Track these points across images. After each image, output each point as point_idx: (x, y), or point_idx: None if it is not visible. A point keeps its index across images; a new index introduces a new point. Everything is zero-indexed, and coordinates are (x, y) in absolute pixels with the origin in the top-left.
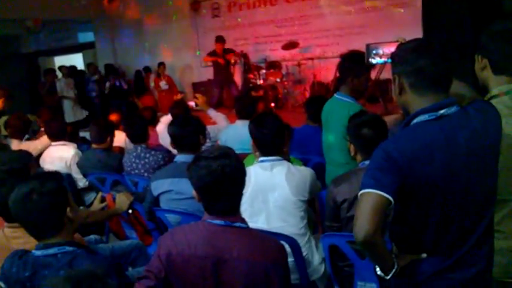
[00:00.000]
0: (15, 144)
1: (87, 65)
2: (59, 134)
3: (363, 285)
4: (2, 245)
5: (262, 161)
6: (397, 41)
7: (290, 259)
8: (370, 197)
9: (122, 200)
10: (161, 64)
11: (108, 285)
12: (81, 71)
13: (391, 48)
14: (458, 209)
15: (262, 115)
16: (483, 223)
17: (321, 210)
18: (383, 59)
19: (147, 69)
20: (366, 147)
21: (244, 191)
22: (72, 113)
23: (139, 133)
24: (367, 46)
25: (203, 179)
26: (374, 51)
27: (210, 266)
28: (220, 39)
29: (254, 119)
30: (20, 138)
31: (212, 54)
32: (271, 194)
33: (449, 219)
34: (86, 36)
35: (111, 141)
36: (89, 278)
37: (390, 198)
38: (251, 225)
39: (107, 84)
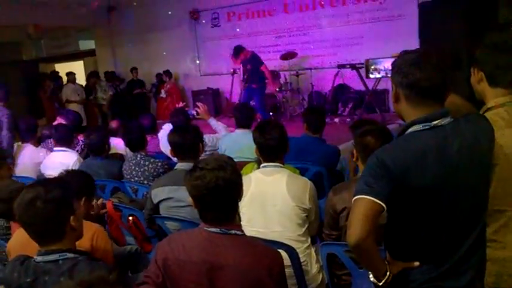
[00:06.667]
0: (29, 149)
1: (104, 73)
2: (64, 139)
3: None
4: (24, 243)
5: (264, 167)
6: (394, 55)
7: (288, 268)
8: (363, 203)
9: None
10: (165, 72)
11: None
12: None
13: (389, 64)
14: (450, 217)
15: (266, 122)
16: (474, 232)
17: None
18: (381, 74)
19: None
20: (367, 156)
21: (243, 195)
22: None
23: (137, 141)
24: (366, 61)
25: (197, 189)
26: (372, 66)
27: (205, 272)
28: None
29: (258, 126)
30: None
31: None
32: (271, 199)
33: (441, 228)
34: (87, 44)
35: (109, 149)
36: (100, 282)
37: (383, 204)
38: (249, 229)
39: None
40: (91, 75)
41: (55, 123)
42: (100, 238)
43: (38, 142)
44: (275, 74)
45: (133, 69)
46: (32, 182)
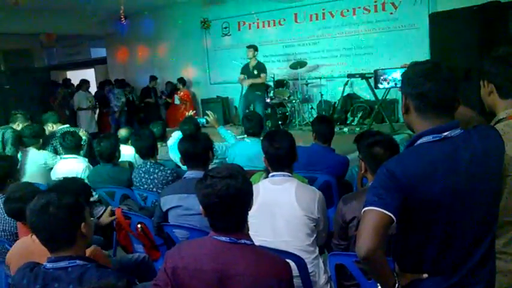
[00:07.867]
0: (32, 152)
1: (114, 80)
2: (72, 148)
3: None
4: (31, 250)
5: (272, 176)
6: (403, 66)
7: (296, 279)
8: (372, 215)
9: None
10: (179, 79)
11: None
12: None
13: (398, 74)
14: (459, 229)
15: (275, 131)
16: (484, 244)
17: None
18: (390, 85)
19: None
20: (376, 167)
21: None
22: (86, 125)
23: (148, 148)
24: (375, 72)
25: (208, 198)
26: (382, 77)
27: (215, 281)
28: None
29: (267, 135)
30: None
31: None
32: (279, 208)
33: (450, 239)
34: (98, 52)
35: (119, 156)
36: None
37: (393, 216)
38: (257, 238)
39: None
40: (105, 84)
41: None
42: (98, 257)
43: (41, 147)
44: (284, 83)
45: (153, 78)
46: (44, 189)
